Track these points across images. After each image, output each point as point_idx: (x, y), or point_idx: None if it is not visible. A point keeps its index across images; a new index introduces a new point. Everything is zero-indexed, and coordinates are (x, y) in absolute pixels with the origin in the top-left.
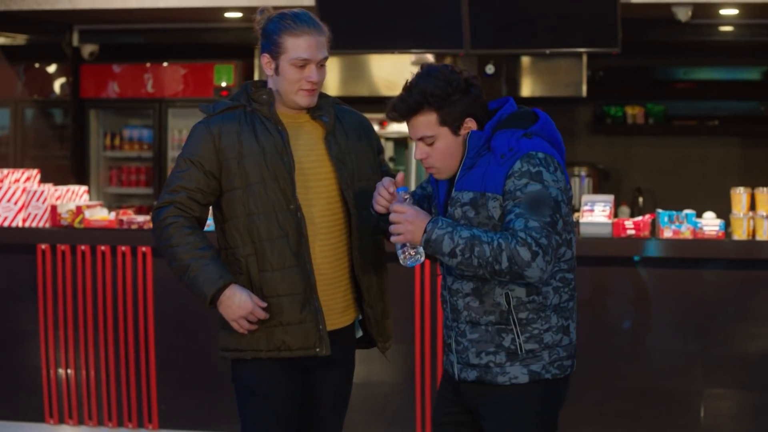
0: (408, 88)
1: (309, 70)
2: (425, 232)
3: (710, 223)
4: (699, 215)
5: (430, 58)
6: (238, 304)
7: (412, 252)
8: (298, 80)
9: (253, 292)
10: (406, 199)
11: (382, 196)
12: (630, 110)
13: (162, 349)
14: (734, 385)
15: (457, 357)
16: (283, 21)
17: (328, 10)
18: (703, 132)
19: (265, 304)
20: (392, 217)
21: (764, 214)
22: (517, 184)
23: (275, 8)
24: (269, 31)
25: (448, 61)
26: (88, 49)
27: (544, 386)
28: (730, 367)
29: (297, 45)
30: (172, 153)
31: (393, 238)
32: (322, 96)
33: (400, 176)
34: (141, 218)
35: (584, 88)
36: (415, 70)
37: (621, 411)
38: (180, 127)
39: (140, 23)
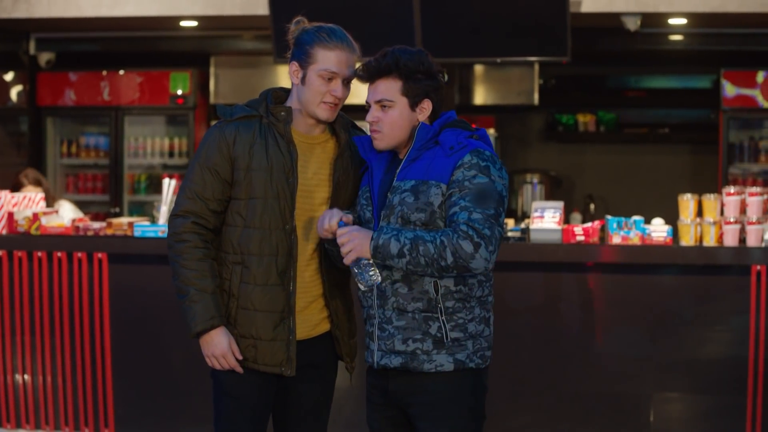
0: (383, 53)
1: (335, 84)
2: (372, 239)
3: (658, 230)
4: (649, 221)
5: None
6: (216, 344)
7: (369, 272)
8: (322, 92)
9: (230, 301)
10: (347, 222)
11: (327, 230)
12: (581, 118)
13: (118, 354)
14: (683, 388)
15: (380, 344)
16: (318, 33)
17: (281, 19)
18: (653, 139)
19: (240, 357)
20: (339, 239)
21: (711, 220)
22: (465, 175)
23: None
24: (303, 41)
25: None
26: (44, 57)
27: (472, 379)
28: (678, 371)
29: (327, 57)
30: (129, 160)
31: (345, 259)
32: (340, 117)
33: (348, 219)
34: (97, 225)
35: (536, 96)
36: None
37: (572, 415)
38: (136, 135)
39: (96, 32)
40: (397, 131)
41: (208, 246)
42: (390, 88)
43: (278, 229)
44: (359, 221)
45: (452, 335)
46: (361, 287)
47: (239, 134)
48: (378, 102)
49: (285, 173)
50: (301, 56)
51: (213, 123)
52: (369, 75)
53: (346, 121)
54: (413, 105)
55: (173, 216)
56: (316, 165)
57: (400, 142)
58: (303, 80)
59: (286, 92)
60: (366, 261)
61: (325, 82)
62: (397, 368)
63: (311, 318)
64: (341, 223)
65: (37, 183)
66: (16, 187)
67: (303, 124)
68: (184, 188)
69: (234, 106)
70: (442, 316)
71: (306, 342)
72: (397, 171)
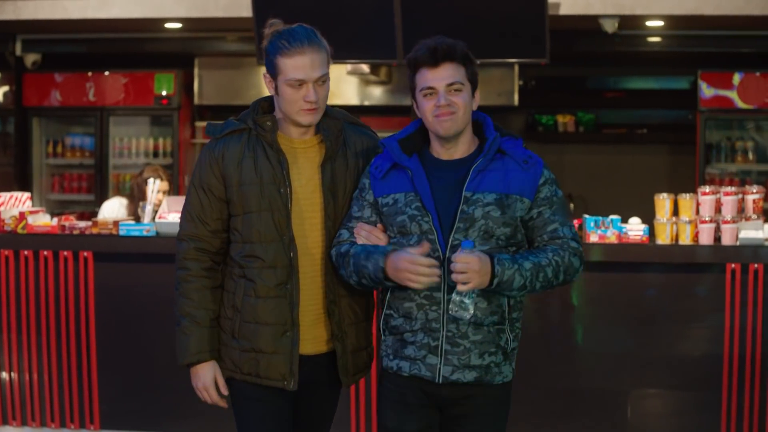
0: (442, 40)
1: (306, 90)
2: (495, 276)
3: (635, 228)
4: (626, 220)
5: (365, 68)
6: (200, 377)
7: (470, 306)
8: (296, 101)
9: (234, 315)
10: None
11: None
12: (561, 118)
13: (103, 351)
14: (660, 385)
15: (450, 359)
16: (278, 41)
17: (264, 21)
18: (632, 140)
19: (226, 392)
20: (459, 267)
21: (687, 219)
22: (551, 190)
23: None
24: (268, 52)
25: (382, 70)
26: (31, 58)
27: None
28: (655, 367)
29: (290, 66)
30: (114, 160)
31: (461, 287)
32: (332, 116)
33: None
34: (83, 224)
35: (516, 97)
36: (353, 79)
37: (551, 410)
38: (121, 135)
39: (82, 33)
40: (468, 116)
41: (211, 274)
42: (459, 71)
43: (275, 240)
44: (403, 232)
45: (512, 345)
46: (451, 313)
47: (227, 150)
48: (450, 85)
49: (276, 184)
50: (270, 68)
51: (197, 124)
52: (436, 58)
53: (337, 121)
54: (473, 92)
55: (177, 239)
56: (309, 170)
57: (463, 130)
58: (276, 91)
59: (273, 102)
60: (470, 294)
61: (295, 90)
62: (470, 383)
63: (322, 333)
64: (468, 244)
65: (168, 180)
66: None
67: (293, 130)
68: (184, 211)
69: (224, 123)
70: (508, 326)
71: (316, 358)
72: (466, 181)
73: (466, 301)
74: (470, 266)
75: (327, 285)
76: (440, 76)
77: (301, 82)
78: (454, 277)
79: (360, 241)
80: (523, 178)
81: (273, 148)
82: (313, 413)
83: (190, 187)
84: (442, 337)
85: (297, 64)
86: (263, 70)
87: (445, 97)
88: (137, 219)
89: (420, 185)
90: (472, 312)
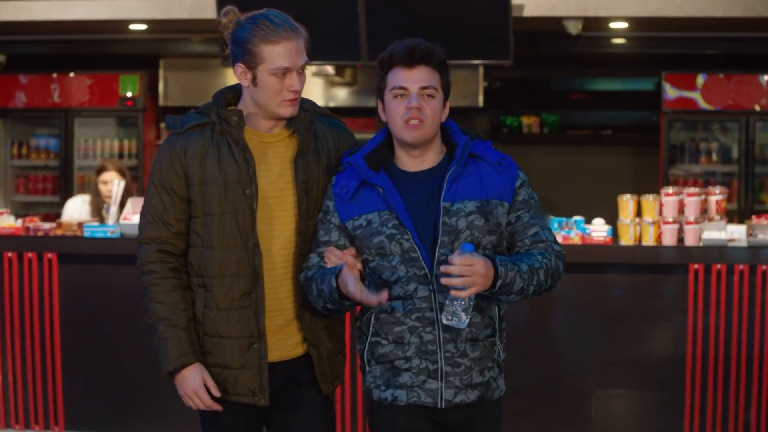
0: (420, 41)
1: (291, 79)
2: (499, 277)
3: (598, 229)
4: (590, 221)
5: (329, 69)
6: (187, 382)
7: (464, 314)
8: (279, 91)
9: (195, 327)
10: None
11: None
12: (526, 120)
13: (68, 352)
14: (624, 385)
15: (452, 380)
16: (256, 27)
17: None
18: (596, 141)
19: (218, 393)
20: (463, 270)
21: (650, 220)
22: (528, 193)
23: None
24: (241, 39)
25: (347, 71)
26: None
27: None
28: (619, 368)
29: (275, 53)
30: (79, 162)
31: (460, 293)
32: (302, 107)
33: (351, 252)
34: (47, 225)
35: (481, 98)
36: (318, 81)
37: (515, 410)
38: (86, 136)
39: (47, 35)
40: (436, 124)
41: (179, 275)
42: (433, 76)
43: (238, 246)
44: (382, 253)
45: (503, 356)
46: (445, 322)
47: (189, 146)
48: (424, 88)
49: (241, 185)
50: (246, 56)
51: (162, 125)
52: (413, 59)
53: (307, 112)
54: (444, 100)
55: (138, 243)
56: (279, 166)
57: (431, 139)
58: (254, 82)
59: (238, 90)
60: (470, 299)
61: (279, 79)
62: (473, 402)
63: (289, 338)
64: (468, 247)
65: (121, 173)
66: (99, 171)
67: (263, 124)
68: (144, 212)
69: (184, 116)
70: (498, 338)
71: (284, 363)
72: (442, 192)
73: (461, 308)
74: (476, 269)
75: (297, 288)
76: (414, 78)
77: (286, 71)
78: (456, 281)
79: (330, 266)
80: (499, 181)
81: (239, 145)
82: (300, 421)
83: (149, 187)
84: (441, 359)
85: (283, 51)
86: (228, 71)
87: (417, 99)
88: (101, 220)
89: (394, 202)
90: (467, 320)
